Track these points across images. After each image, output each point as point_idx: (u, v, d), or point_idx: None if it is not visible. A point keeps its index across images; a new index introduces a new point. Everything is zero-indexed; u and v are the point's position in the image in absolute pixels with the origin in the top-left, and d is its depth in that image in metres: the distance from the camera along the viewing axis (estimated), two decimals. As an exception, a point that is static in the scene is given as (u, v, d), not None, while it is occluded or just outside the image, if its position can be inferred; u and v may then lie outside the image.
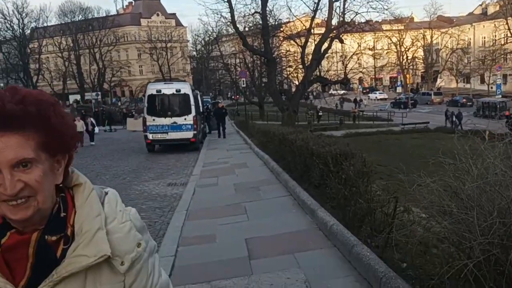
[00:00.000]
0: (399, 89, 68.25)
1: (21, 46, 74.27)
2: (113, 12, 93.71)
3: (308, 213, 5.91)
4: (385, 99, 67.08)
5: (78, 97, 64.75)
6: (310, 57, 30.09)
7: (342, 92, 72.38)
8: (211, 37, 64.33)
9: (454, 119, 34.55)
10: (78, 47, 78.61)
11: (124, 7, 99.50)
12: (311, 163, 7.05)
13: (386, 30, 74.04)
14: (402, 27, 74.86)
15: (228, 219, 6.40)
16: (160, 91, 17.87)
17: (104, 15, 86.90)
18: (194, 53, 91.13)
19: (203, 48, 79.61)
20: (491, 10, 71.89)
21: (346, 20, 29.31)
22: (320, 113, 49.30)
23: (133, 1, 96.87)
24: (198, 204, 7.62)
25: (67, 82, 79.41)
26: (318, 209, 5.51)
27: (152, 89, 18.07)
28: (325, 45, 29.75)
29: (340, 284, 3.84)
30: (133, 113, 37.52)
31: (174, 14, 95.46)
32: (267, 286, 3.84)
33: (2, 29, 74.51)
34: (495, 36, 64.17)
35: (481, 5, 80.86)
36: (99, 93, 51.42)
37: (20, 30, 75.38)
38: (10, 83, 79.60)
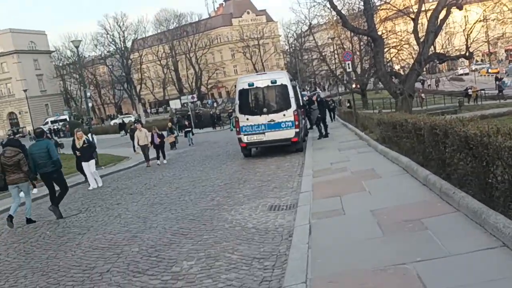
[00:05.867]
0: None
1: (123, 58, 77.30)
2: (205, 15, 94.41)
3: None
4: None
5: (178, 102, 65.29)
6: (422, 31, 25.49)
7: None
8: (302, 29, 60.99)
9: None
10: (175, 54, 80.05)
11: (215, 9, 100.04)
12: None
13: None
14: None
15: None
16: (252, 84, 14.95)
17: (197, 19, 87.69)
18: (287, 47, 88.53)
19: (295, 41, 76.66)
20: None
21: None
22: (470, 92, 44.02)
23: (224, 2, 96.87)
24: (323, 263, 4.36)
25: (167, 88, 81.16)
26: None
27: (243, 83, 15.19)
28: (442, 14, 24.86)
29: None
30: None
31: (264, 10, 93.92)
32: None
33: (105, 44, 78.27)
34: None
35: None
36: (194, 95, 50.54)
37: (121, 43, 78.44)
38: (116, 93, 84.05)
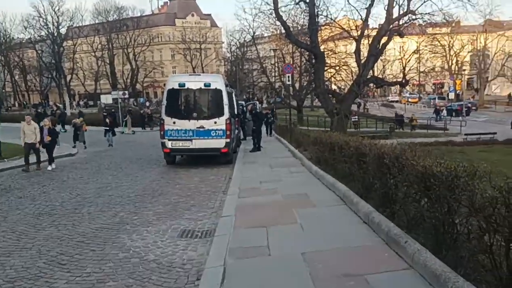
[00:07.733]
0: (451, 95, 61.90)
1: (55, 44, 72.31)
2: (148, 11, 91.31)
3: None
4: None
5: (109, 97, 61.85)
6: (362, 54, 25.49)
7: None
8: (246, 38, 60.49)
9: None
10: (112, 47, 76.21)
11: (159, 7, 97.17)
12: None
13: (433, 33, 67.90)
14: (448, 31, 68.82)
15: None
16: (183, 84, 13.53)
17: (139, 14, 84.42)
18: (228, 54, 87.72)
19: (237, 50, 76.02)
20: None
21: (411, 9, 24.33)
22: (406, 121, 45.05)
23: (169, 1, 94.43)
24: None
25: (100, 82, 76.97)
26: None
27: (173, 82, 13.72)
28: (383, 40, 25.00)
29: None
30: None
31: (209, 14, 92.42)
32: None
33: (36, 27, 72.87)
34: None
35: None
36: (126, 92, 47.69)
37: (55, 29, 73.35)
38: (43, 81, 78.29)
